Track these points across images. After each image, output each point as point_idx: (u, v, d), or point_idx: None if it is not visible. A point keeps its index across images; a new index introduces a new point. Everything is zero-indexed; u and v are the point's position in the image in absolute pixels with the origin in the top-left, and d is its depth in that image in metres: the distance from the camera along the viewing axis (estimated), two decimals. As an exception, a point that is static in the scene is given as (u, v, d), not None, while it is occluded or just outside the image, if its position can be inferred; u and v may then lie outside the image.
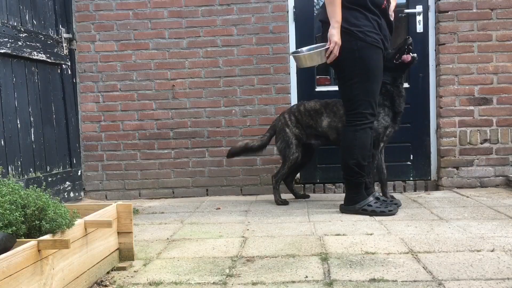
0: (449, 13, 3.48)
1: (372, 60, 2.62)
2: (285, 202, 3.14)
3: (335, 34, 2.56)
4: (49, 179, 3.21)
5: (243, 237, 2.30)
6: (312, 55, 2.66)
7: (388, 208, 2.67)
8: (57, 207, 1.51)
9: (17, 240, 1.34)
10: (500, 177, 3.50)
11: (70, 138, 3.53)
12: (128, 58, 3.70)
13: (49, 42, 3.29)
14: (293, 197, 3.37)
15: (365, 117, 2.66)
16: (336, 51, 2.58)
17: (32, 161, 3.07)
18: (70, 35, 3.52)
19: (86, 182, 3.73)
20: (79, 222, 1.60)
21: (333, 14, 2.56)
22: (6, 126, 2.83)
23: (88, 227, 1.64)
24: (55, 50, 3.37)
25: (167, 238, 2.34)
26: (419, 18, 3.59)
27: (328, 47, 2.59)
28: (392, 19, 2.70)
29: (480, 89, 3.49)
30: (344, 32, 2.59)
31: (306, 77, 3.67)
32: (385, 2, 2.63)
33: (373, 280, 1.62)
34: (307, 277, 1.68)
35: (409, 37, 2.79)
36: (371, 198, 2.72)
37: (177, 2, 3.65)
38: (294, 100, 3.63)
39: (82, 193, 3.66)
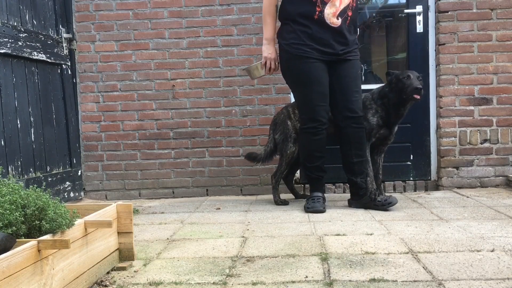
0: (449, 13, 3.48)
1: (299, 70, 2.83)
2: (284, 202, 3.14)
3: (264, 49, 2.93)
4: (49, 179, 3.21)
5: (243, 237, 2.30)
6: (253, 67, 3.01)
7: (311, 205, 2.83)
8: (57, 207, 1.51)
9: (17, 240, 1.34)
10: (500, 177, 3.50)
11: (70, 138, 3.53)
12: (128, 58, 3.70)
13: (49, 42, 3.29)
14: (293, 197, 3.37)
15: (304, 122, 2.92)
16: (269, 64, 2.92)
17: (32, 161, 3.07)
18: (70, 35, 3.52)
19: (86, 182, 3.73)
20: (79, 222, 1.60)
21: (264, 32, 2.95)
22: (6, 126, 2.83)
23: (88, 227, 1.64)
24: (55, 50, 3.37)
25: (167, 238, 2.34)
26: (419, 18, 3.58)
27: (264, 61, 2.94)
28: (335, 25, 2.76)
29: (480, 89, 3.49)
30: (278, 46, 2.93)
31: (306, 77, 3.67)
32: (317, 12, 2.74)
33: (373, 280, 1.62)
34: (307, 277, 1.68)
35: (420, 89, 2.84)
36: (309, 198, 2.92)
37: (177, 2, 3.65)
38: (294, 100, 3.63)
39: (82, 193, 3.66)
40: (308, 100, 2.86)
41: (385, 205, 2.77)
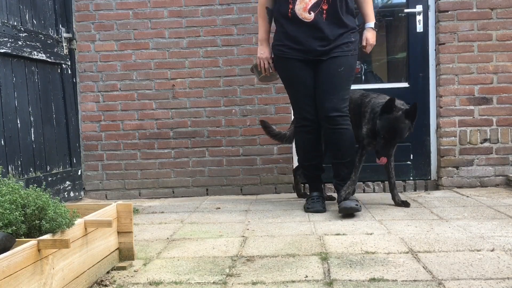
0: (449, 12, 3.48)
1: (283, 70, 2.87)
2: (304, 195, 3.20)
3: (258, 50, 2.94)
4: (49, 178, 3.21)
5: (243, 236, 2.30)
6: (254, 67, 3.02)
7: (311, 205, 2.84)
8: (57, 206, 1.51)
9: (17, 239, 1.34)
10: (500, 177, 3.50)
11: (70, 137, 3.53)
12: (128, 58, 3.70)
13: (49, 42, 3.29)
14: (295, 195, 3.37)
15: (297, 120, 2.92)
16: (262, 64, 2.90)
17: (32, 161, 3.07)
18: (70, 35, 3.51)
19: (86, 181, 3.73)
20: (79, 221, 1.60)
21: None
22: (6, 126, 2.83)
23: (88, 227, 1.64)
24: (55, 49, 3.37)
25: (167, 238, 2.34)
26: (419, 17, 3.58)
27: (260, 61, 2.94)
28: (308, 20, 2.67)
29: (480, 89, 3.49)
30: None
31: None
32: (289, 9, 2.71)
33: (373, 279, 1.62)
34: (307, 276, 1.68)
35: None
36: (309, 198, 2.92)
37: (177, 2, 3.65)
38: (294, 99, 3.63)
39: (82, 193, 3.66)
40: (295, 99, 2.88)
41: (340, 213, 2.63)
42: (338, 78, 2.72)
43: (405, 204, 2.87)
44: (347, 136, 2.75)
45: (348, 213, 2.63)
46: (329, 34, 2.69)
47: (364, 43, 2.81)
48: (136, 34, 3.69)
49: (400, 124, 2.62)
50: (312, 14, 2.68)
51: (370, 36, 2.79)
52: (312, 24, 2.68)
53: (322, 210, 2.80)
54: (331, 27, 2.69)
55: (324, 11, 2.68)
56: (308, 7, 2.68)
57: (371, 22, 2.80)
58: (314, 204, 2.83)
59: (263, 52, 2.90)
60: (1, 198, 1.42)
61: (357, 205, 2.64)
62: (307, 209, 2.83)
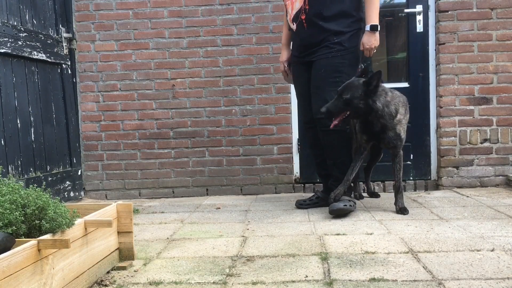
0: (449, 12, 3.48)
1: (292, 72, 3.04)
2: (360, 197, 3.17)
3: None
4: (49, 178, 3.21)
5: (243, 236, 2.30)
6: None
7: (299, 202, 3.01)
8: (57, 206, 1.51)
9: (17, 239, 1.34)
10: (500, 177, 3.50)
11: (70, 137, 3.53)
12: (128, 58, 3.70)
13: (49, 42, 3.29)
14: (295, 196, 3.37)
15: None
16: (281, 68, 3.07)
17: (32, 161, 3.07)
18: (70, 35, 3.52)
19: (86, 181, 3.73)
20: (79, 221, 1.60)
21: None
22: (6, 126, 2.83)
23: (88, 227, 1.64)
24: (55, 49, 3.37)
25: (167, 238, 2.34)
26: (419, 17, 3.59)
27: None
28: (294, 30, 2.82)
29: (480, 89, 3.49)
30: None
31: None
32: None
33: (373, 279, 1.62)
34: (307, 276, 1.68)
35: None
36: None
37: (177, 2, 3.65)
38: (294, 99, 3.63)
39: (82, 193, 3.66)
40: (297, 98, 3.05)
41: (331, 214, 2.61)
42: (321, 80, 2.74)
43: (403, 212, 2.66)
44: (334, 137, 2.73)
45: (339, 214, 2.60)
46: (310, 42, 2.78)
47: (361, 47, 2.73)
48: (136, 34, 3.69)
49: (354, 82, 2.52)
50: (295, 25, 2.82)
51: (365, 40, 2.69)
52: (296, 33, 2.84)
53: (298, 206, 2.97)
54: (312, 35, 2.77)
55: (304, 21, 2.77)
56: (291, 18, 2.84)
57: (368, 25, 2.68)
58: (307, 203, 2.98)
59: (281, 55, 3.06)
60: (1, 198, 1.42)
61: (345, 205, 2.60)
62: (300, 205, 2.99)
